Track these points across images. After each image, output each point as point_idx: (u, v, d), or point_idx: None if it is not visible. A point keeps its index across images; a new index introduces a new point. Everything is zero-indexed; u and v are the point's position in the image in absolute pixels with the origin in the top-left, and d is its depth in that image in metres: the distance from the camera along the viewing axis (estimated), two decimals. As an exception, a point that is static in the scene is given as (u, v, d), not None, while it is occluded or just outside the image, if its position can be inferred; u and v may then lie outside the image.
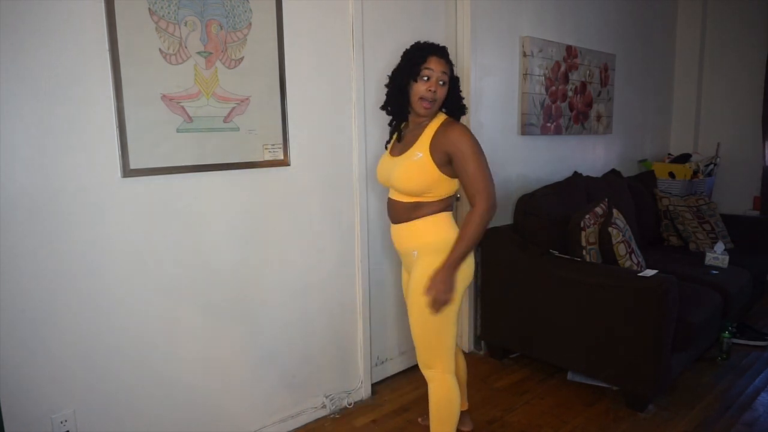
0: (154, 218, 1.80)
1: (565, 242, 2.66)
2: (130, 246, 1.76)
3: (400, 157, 1.77)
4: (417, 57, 1.70)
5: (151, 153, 1.75)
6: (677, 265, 2.99)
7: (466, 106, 1.83)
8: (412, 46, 1.75)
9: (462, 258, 1.68)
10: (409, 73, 1.70)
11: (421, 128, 1.75)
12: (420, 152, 1.70)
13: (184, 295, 1.90)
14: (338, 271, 2.34)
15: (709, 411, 2.35)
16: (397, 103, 1.77)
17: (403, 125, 1.87)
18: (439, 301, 1.66)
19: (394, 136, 1.88)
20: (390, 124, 1.91)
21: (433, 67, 1.69)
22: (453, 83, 1.77)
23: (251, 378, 2.11)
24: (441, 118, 1.76)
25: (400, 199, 1.78)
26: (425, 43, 1.75)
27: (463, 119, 2.73)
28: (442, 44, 1.77)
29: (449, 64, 1.74)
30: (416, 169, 1.70)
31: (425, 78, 1.69)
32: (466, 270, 1.75)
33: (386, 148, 1.93)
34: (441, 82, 1.70)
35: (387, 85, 1.81)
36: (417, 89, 1.70)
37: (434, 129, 1.72)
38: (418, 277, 1.73)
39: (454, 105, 1.79)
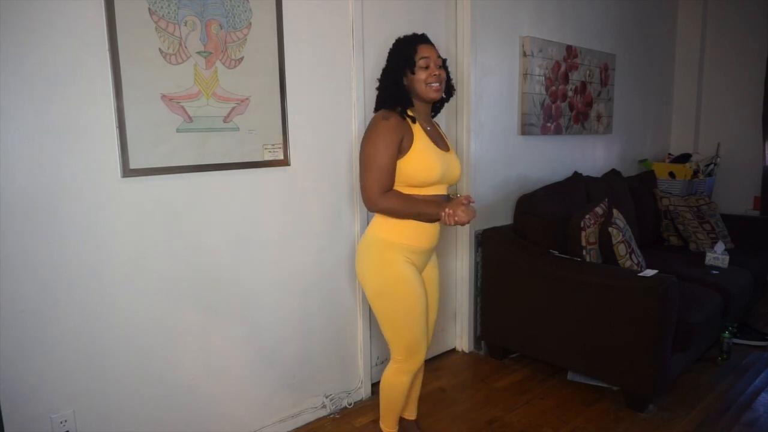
0: (154, 218, 1.80)
1: (565, 242, 2.66)
2: (130, 246, 1.76)
3: (450, 153, 1.81)
4: (408, 50, 1.70)
5: (150, 153, 1.75)
6: (677, 265, 2.99)
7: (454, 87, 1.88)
8: (395, 44, 1.76)
9: None
10: (404, 66, 1.70)
11: (434, 126, 1.86)
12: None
13: (183, 295, 1.90)
14: (338, 271, 2.34)
15: (710, 411, 2.35)
16: (398, 95, 1.72)
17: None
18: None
19: (421, 128, 1.74)
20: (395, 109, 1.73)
21: (428, 54, 1.71)
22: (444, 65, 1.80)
23: (251, 378, 2.11)
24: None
25: (444, 193, 1.80)
26: (406, 35, 1.76)
27: (464, 119, 2.76)
28: (436, 41, 1.79)
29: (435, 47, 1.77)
30: None
31: (425, 66, 1.70)
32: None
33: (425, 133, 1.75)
34: (438, 66, 1.73)
35: (380, 86, 1.77)
36: (419, 78, 1.70)
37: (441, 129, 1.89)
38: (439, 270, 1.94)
39: (448, 85, 1.82)
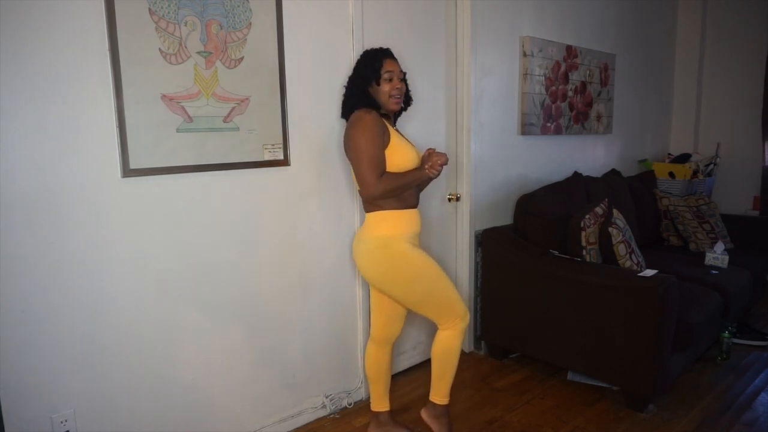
0: (154, 218, 1.80)
1: (565, 242, 2.66)
2: (130, 246, 1.76)
3: (415, 147, 1.95)
4: (375, 62, 1.86)
5: (150, 153, 1.75)
6: (677, 265, 2.99)
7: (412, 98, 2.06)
8: (363, 56, 1.92)
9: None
10: (371, 77, 1.86)
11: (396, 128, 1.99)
12: None
13: (183, 295, 1.90)
14: (338, 271, 2.34)
15: (709, 411, 2.35)
16: (367, 102, 1.88)
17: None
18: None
19: (391, 126, 1.92)
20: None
21: (392, 68, 1.87)
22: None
23: (251, 378, 2.11)
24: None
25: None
26: (374, 49, 1.92)
27: (464, 119, 2.76)
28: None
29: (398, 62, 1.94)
30: None
31: (388, 79, 1.86)
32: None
33: (398, 132, 1.96)
34: (400, 79, 1.90)
35: (348, 93, 1.93)
36: (383, 90, 1.87)
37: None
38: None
39: (407, 96, 1.99)
